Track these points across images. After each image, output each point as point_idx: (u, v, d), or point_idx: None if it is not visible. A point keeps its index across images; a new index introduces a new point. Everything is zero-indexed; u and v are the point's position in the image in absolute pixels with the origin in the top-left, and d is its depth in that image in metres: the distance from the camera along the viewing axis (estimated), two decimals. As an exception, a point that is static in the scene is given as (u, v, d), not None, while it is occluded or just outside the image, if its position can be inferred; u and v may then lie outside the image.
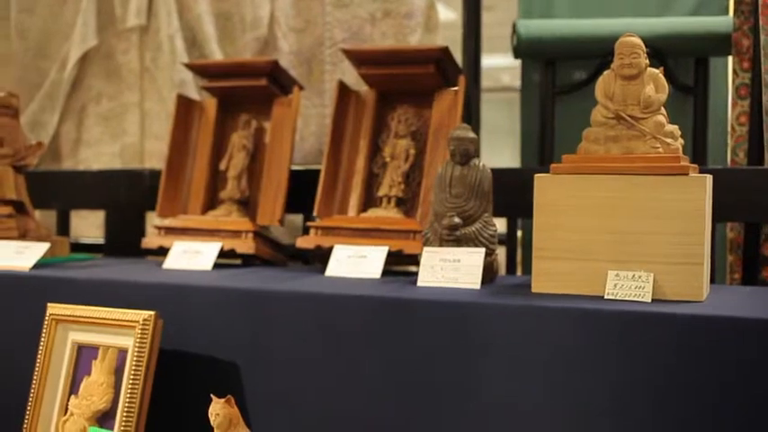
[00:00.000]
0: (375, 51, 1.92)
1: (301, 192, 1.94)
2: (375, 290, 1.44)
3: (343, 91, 1.93)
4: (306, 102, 2.32)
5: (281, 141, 1.95)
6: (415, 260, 1.65)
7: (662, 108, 1.38)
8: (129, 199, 2.30)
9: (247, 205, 1.99)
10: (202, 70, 2.09)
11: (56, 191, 2.39)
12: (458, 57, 1.97)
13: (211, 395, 1.34)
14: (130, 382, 1.41)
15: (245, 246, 1.85)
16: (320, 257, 1.77)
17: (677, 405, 1.18)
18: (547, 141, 2.17)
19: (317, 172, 1.88)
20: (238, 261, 1.92)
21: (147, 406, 1.42)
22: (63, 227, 2.43)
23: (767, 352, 1.15)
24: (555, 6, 2.25)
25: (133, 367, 1.42)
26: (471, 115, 2.15)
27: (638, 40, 1.38)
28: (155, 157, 2.51)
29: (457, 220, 1.52)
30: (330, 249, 1.68)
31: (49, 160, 2.63)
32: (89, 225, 2.63)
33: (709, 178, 1.33)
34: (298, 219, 2.20)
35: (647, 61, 1.39)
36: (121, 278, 1.64)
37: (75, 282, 1.66)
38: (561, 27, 2.15)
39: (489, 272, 1.52)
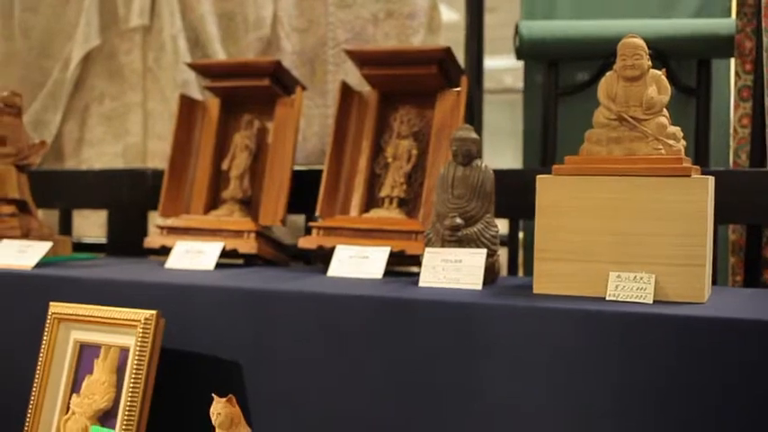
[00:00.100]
0: (378, 52, 1.92)
1: (304, 192, 1.94)
2: (377, 290, 1.44)
3: (346, 91, 1.94)
4: (308, 102, 2.33)
5: (283, 141, 1.96)
6: (416, 261, 1.65)
7: (664, 109, 1.38)
8: (131, 198, 2.30)
9: (250, 205, 1.99)
10: (205, 70, 2.09)
11: (58, 190, 2.39)
12: (460, 58, 1.97)
13: (213, 394, 1.34)
14: (132, 381, 1.41)
15: (248, 246, 1.86)
16: (322, 258, 1.78)
17: (679, 406, 1.18)
18: (549, 142, 2.17)
19: (320, 172, 1.89)
20: (240, 261, 1.92)
21: (149, 405, 1.42)
22: (65, 226, 2.43)
23: (768, 354, 1.15)
24: (557, 8, 2.25)
25: (135, 366, 1.42)
26: (474, 116, 2.15)
27: (640, 42, 1.38)
28: (157, 156, 2.51)
29: (459, 220, 1.52)
30: (332, 249, 1.68)
31: (51, 160, 2.63)
32: (91, 224, 2.63)
33: (711, 180, 1.33)
34: (300, 219, 2.21)
35: (650, 63, 1.39)
36: (124, 277, 1.64)
37: (77, 281, 1.66)
38: (564, 28, 2.15)
39: (491, 273, 1.52)
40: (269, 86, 1.97)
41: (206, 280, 1.59)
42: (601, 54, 2.02)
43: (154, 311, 1.44)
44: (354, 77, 2.07)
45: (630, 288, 1.29)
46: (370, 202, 1.88)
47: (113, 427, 1.42)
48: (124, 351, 1.46)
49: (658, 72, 1.40)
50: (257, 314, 1.48)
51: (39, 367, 1.52)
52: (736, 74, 2.00)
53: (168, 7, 2.45)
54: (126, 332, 1.46)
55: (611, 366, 1.22)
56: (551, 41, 2.14)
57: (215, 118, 2.06)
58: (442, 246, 1.53)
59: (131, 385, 1.41)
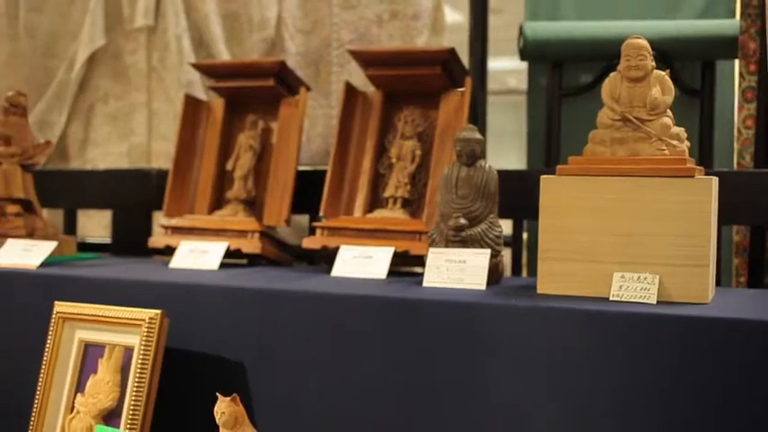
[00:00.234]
0: (382, 52, 1.92)
1: (307, 192, 1.95)
2: (381, 290, 1.44)
3: (350, 92, 1.94)
4: (312, 103, 2.33)
5: (287, 142, 1.96)
6: (420, 261, 1.65)
7: (668, 110, 1.38)
8: (136, 198, 2.31)
9: (254, 205, 2.00)
10: (210, 70, 2.10)
11: (63, 190, 2.39)
12: (464, 59, 1.97)
13: (217, 393, 1.34)
14: (136, 380, 1.42)
15: (252, 245, 1.86)
16: (326, 258, 1.78)
17: (682, 406, 1.18)
18: (553, 143, 2.17)
19: (324, 172, 1.89)
20: (244, 261, 1.92)
21: (153, 404, 1.42)
22: (70, 226, 2.44)
23: (772, 354, 1.15)
24: (561, 9, 2.25)
25: (139, 365, 1.42)
26: (477, 118, 2.15)
27: (644, 42, 1.38)
28: (162, 157, 2.52)
29: (463, 221, 1.52)
30: (336, 250, 1.68)
31: (56, 159, 2.64)
32: (95, 224, 2.64)
33: (714, 180, 1.33)
34: (304, 219, 2.21)
35: (654, 63, 1.39)
36: (128, 277, 1.64)
37: (81, 280, 1.67)
38: (568, 29, 2.15)
39: (495, 273, 1.52)
40: (273, 87, 1.97)
41: (210, 280, 1.59)
42: (605, 55, 2.02)
43: (158, 311, 1.44)
44: (358, 78, 2.07)
45: (634, 288, 1.29)
46: (374, 202, 1.88)
47: (118, 426, 1.42)
48: (129, 350, 1.47)
49: (662, 73, 1.40)
50: (261, 314, 1.48)
51: (43, 366, 1.52)
52: (741, 75, 2.00)
53: (173, 7, 2.45)
54: (130, 331, 1.46)
55: (614, 366, 1.22)
56: (555, 42, 2.14)
57: (219, 118, 2.06)
58: (446, 246, 1.53)
59: (136, 384, 1.41)
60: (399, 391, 1.37)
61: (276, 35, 2.39)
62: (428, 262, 1.51)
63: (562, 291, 1.37)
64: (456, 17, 3.62)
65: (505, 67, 5.63)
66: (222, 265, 1.77)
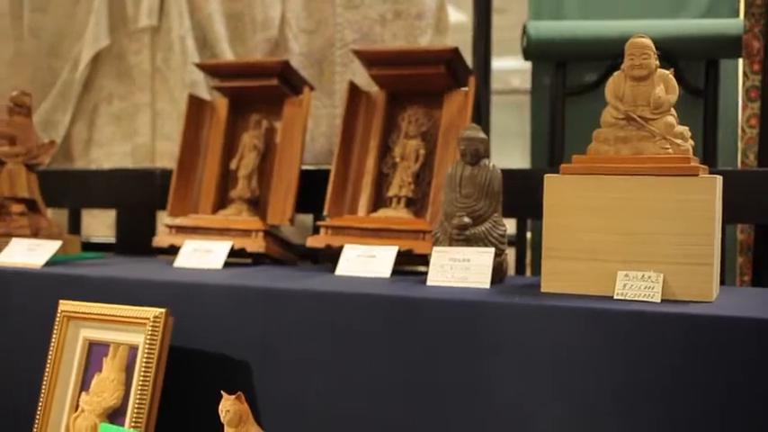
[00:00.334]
0: (386, 52, 1.92)
1: (311, 191, 1.95)
2: (385, 289, 1.44)
3: (354, 91, 1.94)
4: (316, 102, 2.33)
5: (291, 141, 1.96)
6: (424, 260, 1.65)
7: (672, 109, 1.38)
8: (140, 198, 2.31)
9: (258, 205, 2.00)
10: (214, 70, 2.10)
11: (67, 190, 2.40)
12: (468, 59, 1.97)
13: (222, 391, 1.34)
14: (141, 378, 1.42)
15: (256, 245, 1.86)
16: (330, 257, 1.78)
17: (685, 405, 1.18)
18: (557, 142, 2.17)
19: (328, 172, 1.89)
20: (249, 260, 1.93)
21: (158, 403, 1.43)
22: (74, 225, 2.45)
23: (776, 352, 1.15)
24: (565, 8, 2.25)
25: (144, 364, 1.42)
26: (481, 117, 2.15)
27: (648, 41, 1.38)
28: (166, 156, 2.52)
29: (467, 219, 1.52)
30: (340, 249, 1.69)
31: (60, 159, 2.64)
32: (99, 224, 2.64)
33: (719, 179, 1.33)
34: (308, 218, 2.21)
35: (658, 62, 1.39)
36: (133, 276, 1.65)
37: (86, 279, 1.67)
38: (571, 28, 2.15)
39: (499, 272, 1.52)
40: (277, 86, 1.98)
41: (214, 279, 1.59)
42: (608, 54, 2.02)
43: (163, 309, 1.45)
44: (362, 78, 2.08)
45: (638, 287, 1.29)
46: (378, 201, 1.88)
47: (122, 425, 1.42)
48: (133, 349, 1.47)
49: (666, 71, 1.40)
50: (265, 313, 1.49)
51: (48, 365, 1.53)
52: (744, 74, 2.00)
53: (177, 7, 2.46)
54: (135, 330, 1.47)
55: (618, 365, 1.22)
56: (559, 41, 2.14)
57: (223, 118, 2.06)
58: (450, 245, 1.53)
59: (140, 383, 1.42)
60: (403, 389, 1.37)
61: (280, 35, 2.39)
62: (432, 261, 1.51)
63: (566, 289, 1.37)
64: (459, 17, 3.62)
65: (509, 67, 5.62)
66: (226, 265, 1.77)
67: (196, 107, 2.09)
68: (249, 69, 2.03)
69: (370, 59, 1.90)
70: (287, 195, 1.91)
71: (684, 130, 1.38)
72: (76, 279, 1.68)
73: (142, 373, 1.42)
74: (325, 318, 1.43)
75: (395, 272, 1.61)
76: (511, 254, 1.76)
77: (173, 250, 1.89)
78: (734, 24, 2.06)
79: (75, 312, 1.54)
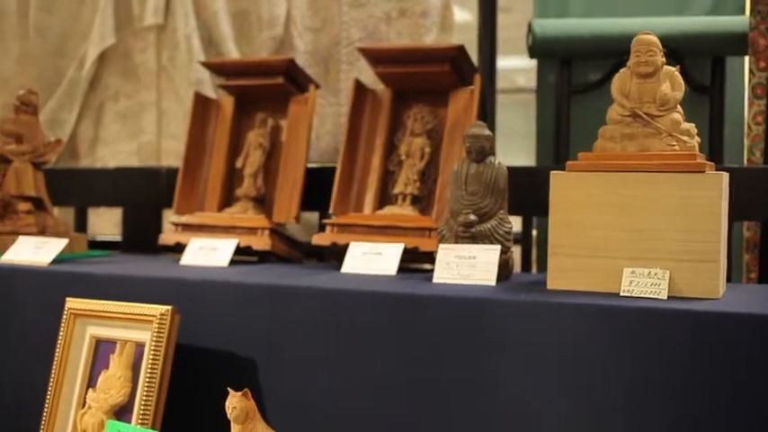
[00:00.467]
0: (391, 50, 1.93)
1: (317, 189, 1.95)
2: (390, 286, 1.44)
3: (360, 90, 1.94)
4: (322, 101, 2.33)
5: (297, 139, 1.96)
6: (430, 257, 1.66)
7: (678, 106, 1.38)
8: (146, 196, 2.31)
9: (263, 203, 2.00)
10: (219, 69, 2.10)
11: (74, 188, 2.41)
12: (474, 58, 1.97)
13: (228, 388, 1.34)
14: (148, 375, 1.42)
15: (262, 242, 1.86)
16: (336, 254, 1.78)
17: (692, 402, 1.18)
18: (562, 140, 2.17)
19: (333, 170, 1.89)
20: (254, 258, 1.93)
21: (165, 400, 1.43)
22: (81, 223, 2.45)
23: (783, 349, 1.15)
24: (570, 6, 2.25)
25: (150, 361, 1.43)
26: (486, 115, 2.15)
27: (654, 38, 1.38)
28: (171, 155, 2.52)
29: (472, 217, 1.52)
30: (346, 246, 1.69)
31: (66, 158, 2.65)
32: (106, 222, 2.65)
33: (725, 176, 1.33)
34: (313, 216, 2.21)
35: (664, 59, 1.39)
36: (139, 273, 1.65)
37: (93, 277, 1.67)
38: (577, 26, 2.15)
39: (504, 269, 1.52)
40: (283, 85, 1.98)
41: (220, 276, 1.60)
42: (614, 52, 2.02)
43: (169, 307, 1.45)
44: (368, 76, 2.07)
45: (645, 284, 1.29)
46: (384, 199, 1.88)
47: (129, 422, 1.43)
48: (140, 346, 1.47)
49: (672, 68, 1.40)
50: (271, 310, 1.49)
51: (55, 362, 1.53)
52: (750, 71, 2.00)
53: (182, 6, 2.46)
54: (141, 328, 1.47)
55: (624, 362, 1.22)
56: (564, 39, 2.14)
57: (229, 116, 2.07)
58: (456, 242, 1.53)
59: (147, 380, 1.42)
60: (409, 387, 1.37)
61: (285, 33, 2.39)
62: (438, 258, 1.51)
63: (572, 286, 1.37)
64: (465, 16, 3.62)
65: (514, 66, 5.60)
66: (232, 262, 1.77)
67: (202, 105, 2.10)
68: (255, 68, 2.03)
69: (376, 57, 1.90)
70: (292, 193, 1.92)
71: (691, 126, 1.38)
72: (83, 277, 1.69)
73: (149, 370, 1.42)
74: (330, 315, 1.43)
75: (401, 269, 1.61)
76: (517, 251, 1.75)
77: (179, 248, 1.90)
78: (740, 22, 2.06)
79: (82, 310, 1.54)
